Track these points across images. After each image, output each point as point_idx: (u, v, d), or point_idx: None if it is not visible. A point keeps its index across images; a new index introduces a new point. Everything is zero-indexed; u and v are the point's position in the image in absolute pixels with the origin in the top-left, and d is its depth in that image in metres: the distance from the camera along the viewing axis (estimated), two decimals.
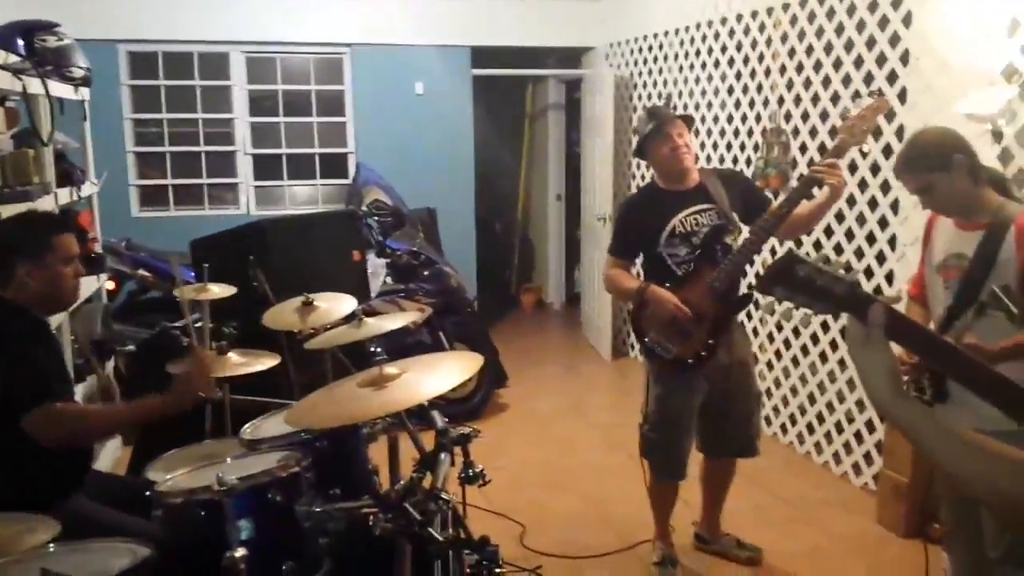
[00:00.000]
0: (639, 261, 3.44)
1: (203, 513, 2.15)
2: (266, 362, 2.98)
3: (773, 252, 4.85)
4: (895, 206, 3.99)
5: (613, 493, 4.22)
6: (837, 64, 4.26)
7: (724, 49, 5.22)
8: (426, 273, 5.36)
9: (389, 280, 5.32)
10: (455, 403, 5.25)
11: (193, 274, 3.86)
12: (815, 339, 4.54)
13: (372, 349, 2.99)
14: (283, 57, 6.87)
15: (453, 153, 7.03)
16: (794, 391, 4.77)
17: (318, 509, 2.27)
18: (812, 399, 4.62)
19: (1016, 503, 1.13)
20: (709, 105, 5.42)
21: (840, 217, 4.29)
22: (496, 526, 3.89)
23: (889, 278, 4.04)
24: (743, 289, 3.42)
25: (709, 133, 5.47)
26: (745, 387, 3.38)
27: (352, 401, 2.20)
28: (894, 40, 3.88)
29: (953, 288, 2.50)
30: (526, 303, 8.61)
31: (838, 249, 4.34)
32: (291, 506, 2.24)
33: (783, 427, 4.89)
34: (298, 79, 6.94)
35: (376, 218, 5.55)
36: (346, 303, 3.16)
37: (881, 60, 3.96)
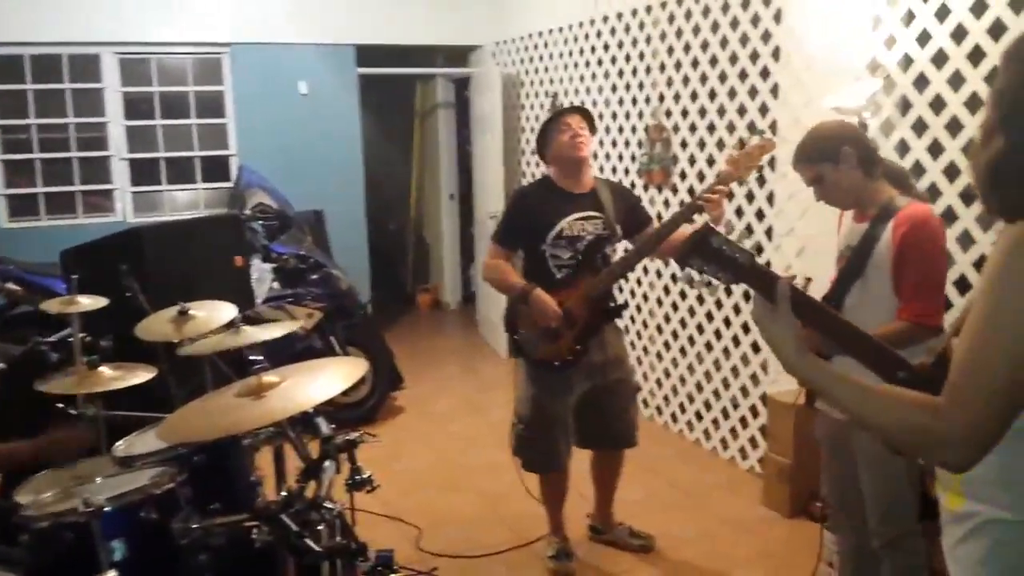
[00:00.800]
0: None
1: (73, 536, 2.06)
2: (141, 375, 2.84)
3: (645, 270, 4.98)
4: (771, 198, 4.13)
5: (510, 490, 4.20)
6: (713, 61, 4.38)
7: (607, 47, 5.31)
8: (315, 277, 5.24)
9: (276, 285, 5.18)
10: (348, 408, 5.18)
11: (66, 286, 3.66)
12: (700, 329, 4.66)
13: (252, 357, 2.90)
14: (159, 58, 6.60)
15: (340, 153, 6.91)
16: (683, 380, 4.88)
17: (195, 526, 2.18)
18: (700, 387, 4.74)
19: (904, 433, 1.30)
20: (594, 103, 5.49)
21: None
22: (392, 530, 3.86)
23: (767, 266, 4.17)
24: (618, 300, 3.50)
25: (595, 130, 5.53)
26: (622, 382, 3.44)
27: (228, 412, 2.13)
28: (766, 37, 4.01)
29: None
30: (422, 303, 8.56)
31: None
32: (167, 524, 2.15)
33: (673, 416, 5.00)
34: (175, 80, 6.68)
35: (261, 222, 5.40)
36: (225, 311, 3.05)
37: (754, 56, 4.09)
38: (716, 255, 1.45)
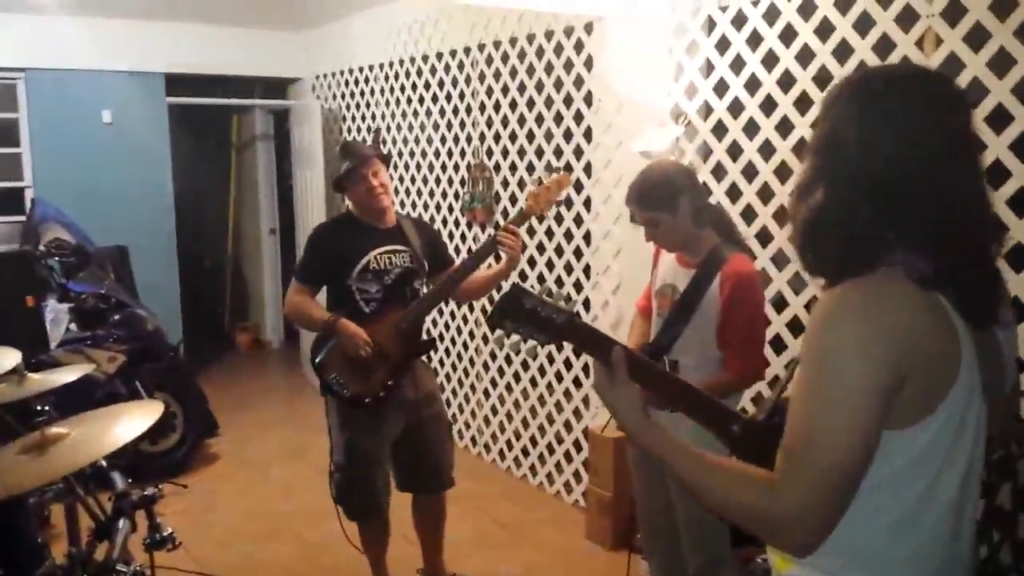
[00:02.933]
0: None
1: None
2: None
3: (471, 307, 5.01)
4: (587, 238, 4.25)
5: (333, 538, 4.05)
6: (530, 104, 4.49)
7: (428, 85, 5.33)
8: (117, 317, 4.88)
9: (74, 327, 4.79)
10: (157, 457, 4.87)
11: None
12: (525, 366, 4.72)
13: (39, 408, 2.65)
14: None
15: (148, 186, 6.51)
16: (509, 417, 4.91)
17: None
18: (526, 424, 4.78)
19: (739, 514, 1.24)
20: (417, 140, 5.50)
21: (541, 248, 4.51)
22: None
23: (586, 304, 4.29)
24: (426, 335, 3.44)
25: (419, 167, 5.54)
26: (435, 418, 3.37)
27: (8, 471, 1.93)
28: (578, 82, 4.16)
29: (664, 318, 2.66)
30: (241, 343, 8.19)
31: (540, 279, 4.55)
32: None
33: (501, 453, 5.02)
34: None
35: (57, 258, 4.99)
36: (7, 357, 2.77)
37: (568, 100, 4.23)
38: (530, 317, 1.40)
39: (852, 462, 1.14)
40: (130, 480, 2.56)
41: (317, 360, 3.19)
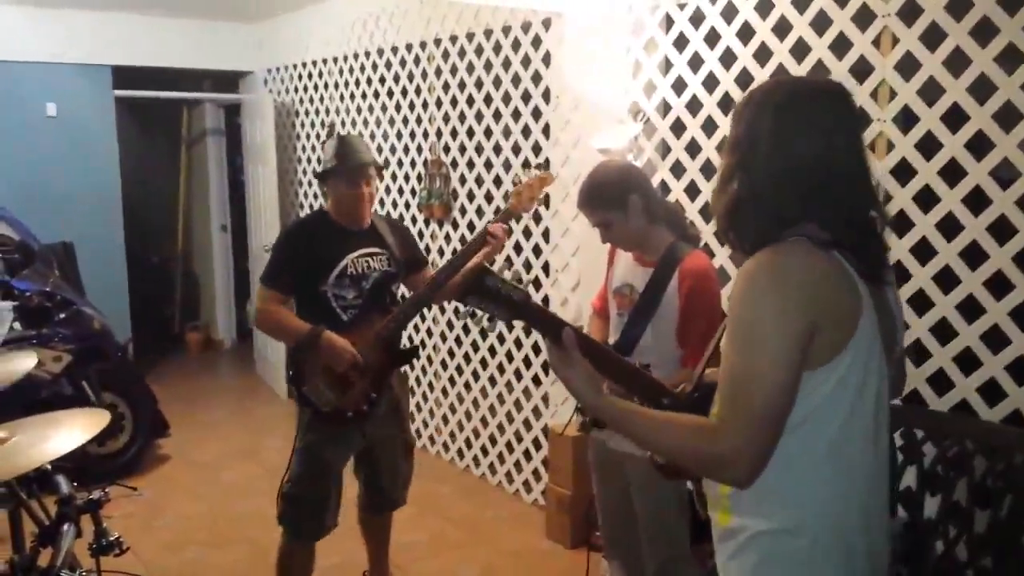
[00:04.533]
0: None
1: None
2: None
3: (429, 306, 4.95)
4: (546, 235, 4.23)
5: None
6: (488, 99, 4.44)
7: (383, 80, 5.26)
8: (62, 316, 4.73)
9: (17, 326, 4.63)
10: (105, 459, 4.75)
11: None
12: (484, 364, 4.68)
13: None
14: None
15: (94, 181, 6.33)
16: (468, 416, 4.87)
17: None
18: (484, 422, 4.75)
19: (688, 458, 1.43)
20: (372, 136, 5.42)
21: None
22: None
23: (545, 301, 4.27)
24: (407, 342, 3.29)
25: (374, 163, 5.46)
26: (403, 442, 3.21)
27: None
28: (536, 78, 4.13)
29: (624, 318, 2.64)
30: (192, 343, 8.01)
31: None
32: None
33: (459, 451, 4.97)
34: None
35: None
36: None
37: (527, 97, 4.19)
38: (492, 294, 1.52)
39: (779, 398, 1.34)
40: (76, 484, 2.48)
41: (293, 372, 2.96)
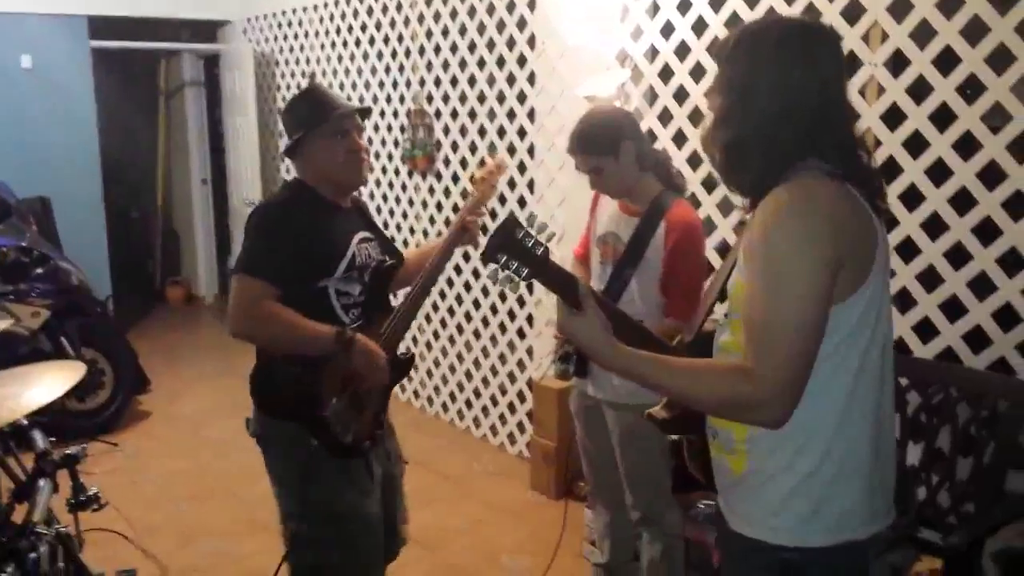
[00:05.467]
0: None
1: None
2: None
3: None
4: (531, 186, 4.16)
5: (268, 496, 3.96)
6: (472, 47, 4.34)
7: (364, 27, 5.14)
8: (40, 271, 4.66)
9: None
10: (85, 415, 4.71)
11: None
12: (468, 317, 4.65)
13: None
14: None
15: (71, 134, 6.19)
16: (452, 370, 4.85)
17: None
18: (469, 376, 4.73)
19: (720, 401, 1.38)
20: (354, 85, 5.31)
21: None
22: (138, 549, 3.52)
23: None
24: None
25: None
26: (399, 477, 2.59)
27: None
28: (521, 24, 4.03)
29: (608, 268, 2.62)
30: (173, 298, 7.94)
31: (484, 230, 4.43)
32: None
33: (444, 406, 4.96)
34: None
35: None
36: None
37: (511, 43, 4.10)
38: (519, 248, 1.43)
39: (812, 334, 1.32)
40: (53, 439, 2.44)
41: (304, 393, 2.19)
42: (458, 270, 4.64)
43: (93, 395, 4.79)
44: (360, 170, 2.32)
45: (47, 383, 2.20)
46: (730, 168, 1.46)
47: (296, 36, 5.91)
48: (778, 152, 1.40)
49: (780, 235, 1.32)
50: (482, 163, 2.96)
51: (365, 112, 2.42)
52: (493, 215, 4.35)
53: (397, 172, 5.04)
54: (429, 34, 4.62)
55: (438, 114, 4.69)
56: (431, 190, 4.83)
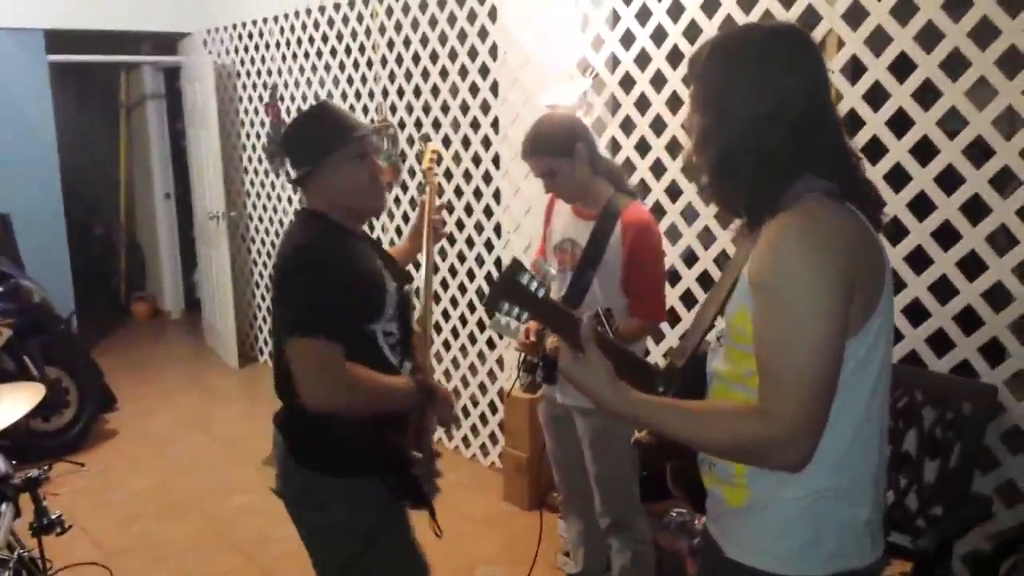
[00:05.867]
0: None
1: None
2: None
3: None
4: (498, 196, 4.16)
5: (239, 511, 3.94)
6: (434, 57, 4.33)
7: (325, 39, 5.11)
8: (0, 289, 4.58)
9: None
10: (50, 435, 4.64)
11: None
12: (438, 329, 4.63)
13: None
14: None
15: (29, 150, 6.06)
16: None
17: None
18: None
19: (736, 447, 1.29)
20: (316, 97, 5.28)
21: (450, 208, 4.40)
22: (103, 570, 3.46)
23: (498, 264, 4.22)
24: None
25: None
26: None
27: None
28: (483, 34, 4.03)
29: (567, 274, 2.63)
30: (139, 314, 7.84)
31: (451, 240, 4.44)
32: None
33: None
34: None
35: None
36: None
37: (473, 53, 4.09)
38: (523, 293, 1.36)
39: (830, 370, 1.24)
40: (15, 462, 2.40)
41: (398, 454, 2.08)
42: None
43: (58, 414, 4.71)
44: (383, 195, 2.16)
45: (7, 404, 2.16)
46: (721, 187, 1.37)
47: (257, 48, 5.86)
48: (770, 161, 1.31)
49: (788, 268, 1.24)
50: (419, 156, 2.95)
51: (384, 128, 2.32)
52: (460, 227, 4.35)
53: None
54: (391, 44, 4.61)
55: (402, 124, 4.68)
56: (396, 200, 4.81)
